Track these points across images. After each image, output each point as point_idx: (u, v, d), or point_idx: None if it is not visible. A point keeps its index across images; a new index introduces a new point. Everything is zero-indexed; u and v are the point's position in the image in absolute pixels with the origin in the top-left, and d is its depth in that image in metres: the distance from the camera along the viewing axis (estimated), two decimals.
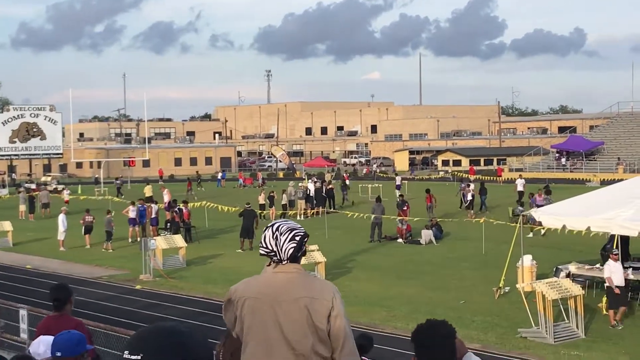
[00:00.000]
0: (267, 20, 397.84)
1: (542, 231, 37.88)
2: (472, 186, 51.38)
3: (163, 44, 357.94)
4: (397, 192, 60.76)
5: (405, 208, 42.02)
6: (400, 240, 38.80)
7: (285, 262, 4.97)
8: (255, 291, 4.96)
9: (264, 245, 5.00)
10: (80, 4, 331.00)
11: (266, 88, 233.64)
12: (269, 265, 5.02)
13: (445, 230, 40.43)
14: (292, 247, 4.96)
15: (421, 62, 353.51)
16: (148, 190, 61.46)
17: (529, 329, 20.53)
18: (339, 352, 4.90)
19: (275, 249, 4.96)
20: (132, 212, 41.40)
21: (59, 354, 6.55)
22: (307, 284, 4.93)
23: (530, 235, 37.07)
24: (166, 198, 49.60)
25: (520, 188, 54.88)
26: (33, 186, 77.87)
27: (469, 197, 49.03)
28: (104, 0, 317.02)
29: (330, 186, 57.19)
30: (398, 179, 65.80)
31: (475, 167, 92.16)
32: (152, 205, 43.13)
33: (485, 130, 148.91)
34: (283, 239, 4.96)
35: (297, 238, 4.98)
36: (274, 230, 4.99)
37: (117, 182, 77.93)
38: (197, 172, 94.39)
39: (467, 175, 79.51)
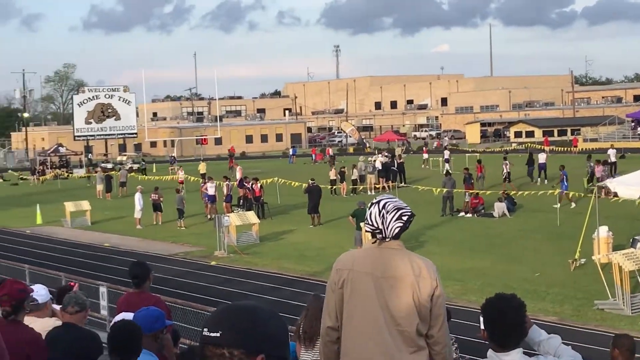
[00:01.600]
0: None
1: (573, 204, 37.45)
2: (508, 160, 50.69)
3: (231, 22, 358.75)
4: (447, 166, 60.45)
5: (472, 182, 41.80)
6: (469, 214, 38.53)
7: (389, 239, 4.95)
8: (361, 265, 4.94)
9: (369, 222, 4.95)
10: None
11: (335, 63, 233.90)
12: (374, 242, 4.99)
13: (518, 202, 39.99)
14: (398, 227, 4.92)
15: (491, 33, 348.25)
16: (202, 168, 62.16)
17: (606, 301, 20.25)
18: (437, 330, 4.90)
19: (381, 227, 4.92)
20: (210, 189, 41.81)
21: None
22: (412, 261, 4.90)
23: (557, 205, 36.73)
24: (238, 175, 49.98)
25: (613, 159, 53.94)
26: (109, 166, 79.22)
27: (506, 170, 48.44)
28: None
29: (401, 160, 57.03)
30: (446, 153, 65.17)
31: (549, 138, 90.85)
32: (227, 182, 43.44)
33: (558, 101, 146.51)
34: (390, 217, 4.92)
35: (404, 218, 4.95)
36: (381, 207, 4.94)
37: (170, 157, 79.70)
38: (229, 149, 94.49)
39: (541, 146, 78.41)
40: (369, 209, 4.97)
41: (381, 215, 4.91)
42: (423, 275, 4.85)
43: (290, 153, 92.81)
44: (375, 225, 4.92)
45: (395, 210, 4.92)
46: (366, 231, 5.07)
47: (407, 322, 4.82)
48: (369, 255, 4.97)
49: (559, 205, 36.85)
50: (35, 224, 43.21)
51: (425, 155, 70.52)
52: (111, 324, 6.76)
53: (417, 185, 47.77)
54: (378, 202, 4.98)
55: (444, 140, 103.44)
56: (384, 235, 4.92)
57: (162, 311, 7.11)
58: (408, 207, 4.99)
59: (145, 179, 63.25)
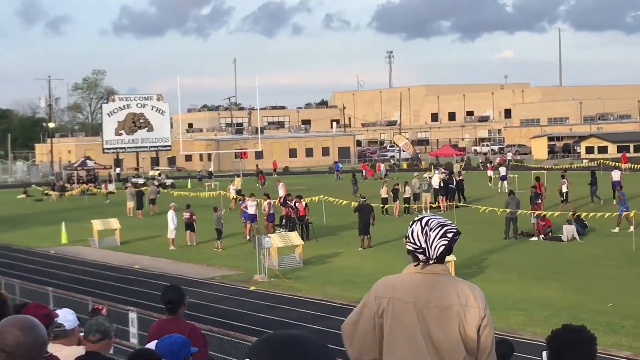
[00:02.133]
0: None
1: (631, 228, 36.68)
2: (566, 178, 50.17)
3: (274, 25, 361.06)
4: (504, 184, 60.41)
5: (539, 201, 41.44)
6: (535, 237, 38.24)
7: (433, 261, 4.92)
8: (400, 293, 4.88)
9: (412, 241, 4.91)
10: None
11: (387, 71, 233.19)
12: (416, 264, 4.96)
13: (589, 225, 39.57)
14: (442, 245, 4.86)
15: (560, 38, 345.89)
16: (237, 183, 62.47)
17: None
18: None
19: (424, 246, 4.88)
20: (250, 207, 41.99)
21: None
22: (457, 288, 4.87)
23: (616, 230, 36.17)
24: (281, 192, 50.11)
25: None
26: (140, 181, 79.94)
27: (564, 190, 47.93)
28: None
29: (460, 177, 56.86)
30: (502, 170, 64.83)
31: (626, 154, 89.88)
32: (268, 200, 43.60)
33: (634, 113, 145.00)
34: (433, 235, 4.87)
35: (449, 235, 4.88)
36: (423, 225, 4.90)
37: (200, 173, 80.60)
38: (257, 165, 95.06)
39: (618, 163, 77.63)
40: (410, 226, 4.95)
41: (424, 232, 4.87)
42: (470, 304, 4.81)
43: (335, 169, 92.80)
44: (419, 244, 4.89)
45: (440, 227, 4.88)
46: (407, 251, 5.01)
47: (453, 356, 4.77)
48: (411, 281, 4.91)
49: (617, 229, 36.61)
50: (60, 243, 43.71)
51: (490, 173, 70.07)
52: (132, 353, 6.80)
53: (477, 205, 47.51)
54: (420, 220, 4.95)
55: (507, 156, 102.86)
56: (427, 256, 4.88)
57: (186, 339, 7.14)
58: (453, 225, 4.95)
59: (173, 194, 63.68)
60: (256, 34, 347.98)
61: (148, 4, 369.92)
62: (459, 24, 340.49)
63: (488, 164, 77.93)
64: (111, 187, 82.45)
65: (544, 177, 62.62)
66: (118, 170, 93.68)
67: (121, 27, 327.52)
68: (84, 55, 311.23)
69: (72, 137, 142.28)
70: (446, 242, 4.86)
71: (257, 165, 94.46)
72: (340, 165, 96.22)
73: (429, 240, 4.85)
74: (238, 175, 73.31)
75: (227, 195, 59.06)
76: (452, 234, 4.87)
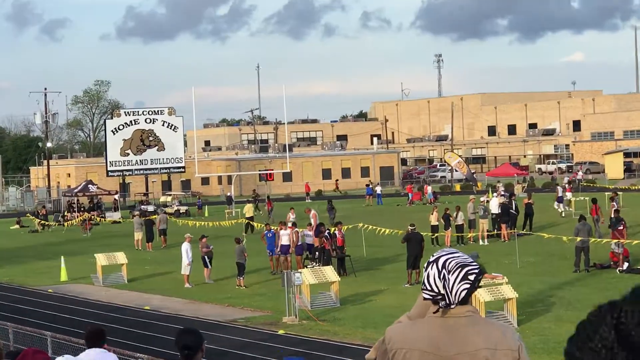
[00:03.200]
0: None
1: None
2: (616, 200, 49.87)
3: (302, 26, 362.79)
4: (560, 206, 60.18)
5: (620, 228, 41.11)
6: (616, 269, 38.03)
7: (454, 305, 4.93)
8: (419, 342, 4.85)
9: (428, 287, 4.84)
10: None
11: (436, 77, 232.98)
12: (435, 312, 4.89)
13: None
14: (464, 289, 4.81)
15: (636, 38, 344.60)
16: (249, 210, 62.83)
17: None
18: None
19: (443, 292, 4.82)
20: (284, 237, 42.13)
21: None
22: (485, 331, 4.82)
23: None
24: (313, 221, 50.19)
25: None
26: (150, 208, 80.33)
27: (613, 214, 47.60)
28: None
29: (529, 200, 56.20)
30: (559, 190, 64.61)
31: None
32: (295, 229, 43.70)
33: None
34: (453, 278, 4.80)
35: (471, 277, 4.81)
36: (440, 267, 4.82)
37: (199, 201, 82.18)
38: (254, 190, 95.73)
39: None
40: (426, 270, 4.90)
41: (442, 276, 4.79)
42: (500, 347, 4.79)
43: (378, 192, 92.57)
44: (436, 291, 4.84)
45: (459, 269, 4.81)
46: (424, 298, 4.94)
47: None
48: (431, 328, 4.85)
49: None
50: (59, 280, 43.97)
51: (569, 195, 68.87)
52: None
53: (542, 233, 47.32)
54: (436, 261, 4.88)
55: (577, 175, 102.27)
56: (447, 302, 4.85)
57: None
58: (475, 263, 4.90)
59: (188, 223, 63.96)
60: (282, 36, 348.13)
61: (156, 3, 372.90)
62: (518, 22, 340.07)
63: (567, 185, 76.55)
64: (116, 215, 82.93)
65: (620, 199, 62.30)
66: (117, 196, 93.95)
67: (126, 31, 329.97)
68: (84, 64, 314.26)
69: (72, 159, 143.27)
70: (468, 285, 4.81)
71: (254, 190, 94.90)
72: (379, 189, 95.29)
73: (448, 285, 4.80)
74: (249, 201, 73.73)
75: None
76: (475, 275, 4.82)
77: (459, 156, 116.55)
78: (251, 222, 63.34)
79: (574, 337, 1.79)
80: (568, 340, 1.80)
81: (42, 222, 78.28)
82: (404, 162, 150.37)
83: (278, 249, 42.26)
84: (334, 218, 61.23)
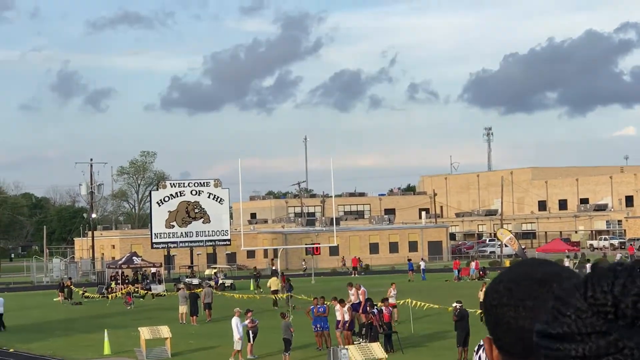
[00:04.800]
0: (480, 64, 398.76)
1: None
2: None
3: (348, 97, 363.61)
4: None
5: None
6: None
7: None
8: None
9: None
10: (245, 52, 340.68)
11: (485, 151, 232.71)
12: None
13: None
14: None
15: None
16: (274, 284, 62.97)
17: None
18: None
19: None
20: (338, 312, 42.19)
21: None
22: None
23: None
24: (361, 298, 50.06)
25: None
26: (195, 281, 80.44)
27: None
28: (274, 47, 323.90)
29: None
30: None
31: None
32: (345, 305, 43.58)
33: None
34: None
35: None
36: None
37: (255, 272, 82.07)
38: (254, 267, 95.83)
39: None
40: (477, 353, 4.84)
41: None
42: None
43: (408, 268, 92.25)
44: None
45: None
46: None
47: None
48: None
49: None
50: (102, 354, 43.98)
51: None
52: None
53: None
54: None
55: (632, 251, 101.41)
56: None
57: None
58: None
59: (234, 296, 63.97)
60: (328, 107, 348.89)
61: (201, 74, 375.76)
62: (568, 95, 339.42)
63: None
64: (160, 288, 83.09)
65: None
66: (154, 270, 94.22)
67: (171, 102, 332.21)
68: (129, 135, 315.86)
69: (117, 230, 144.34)
70: None
71: (255, 267, 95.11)
72: (423, 264, 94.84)
73: None
74: (273, 274, 74.00)
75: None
76: None
77: (510, 232, 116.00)
78: (276, 296, 63.88)
79: (545, 318, 1.84)
80: (536, 324, 1.85)
81: (84, 292, 78.58)
82: (452, 236, 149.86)
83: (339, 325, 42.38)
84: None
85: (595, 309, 1.78)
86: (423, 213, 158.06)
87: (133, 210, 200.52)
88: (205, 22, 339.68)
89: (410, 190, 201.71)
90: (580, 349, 1.76)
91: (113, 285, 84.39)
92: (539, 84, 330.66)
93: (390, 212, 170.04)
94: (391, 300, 44.71)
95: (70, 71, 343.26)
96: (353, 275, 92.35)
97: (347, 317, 42.54)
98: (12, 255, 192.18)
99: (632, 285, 1.77)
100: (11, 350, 47.19)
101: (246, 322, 40.91)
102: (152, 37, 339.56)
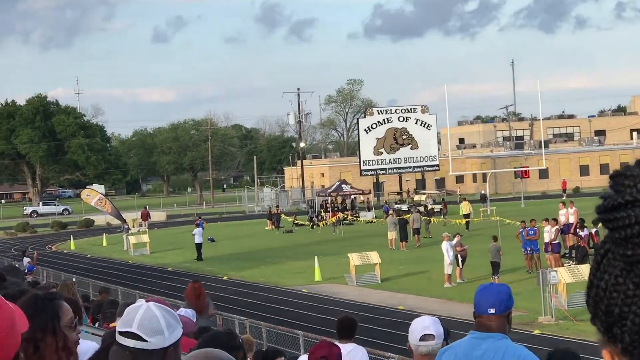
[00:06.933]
0: None
1: None
2: None
3: (552, 19, 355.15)
4: None
5: None
6: None
7: None
8: None
9: None
10: None
11: None
12: None
13: None
14: None
15: None
16: (466, 207, 62.28)
17: None
18: None
19: None
20: (547, 233, 41.70)
21: None
22: None
23: None
24: (572, 218, 49.28)
25: None
26: (404, 207, 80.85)
27: None
28: None
29: None
30: None
31: None
32: (556, 226, 42.93)
33: None
34: None
35: None
36: None
37: (385, 206, 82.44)
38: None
39: None
40: None
41: None
42: None
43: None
44: None
45: None
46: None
47: None
48: None
49: None
50: (313, 281, 44.79)
51: None
52: None
53: None
54: None
55: None
56: None
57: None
58: None
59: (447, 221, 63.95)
60: (533, 29, 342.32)
61: (404, 1, 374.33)
62: None
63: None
64: (370, 215, 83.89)
65: None
66: (360, 197, 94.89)
67: (374, 29, 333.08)
68: (334, 63, 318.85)
69: (326, 158, 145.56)
70: None
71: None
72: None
73: None
74: (465, 199, 73.15)
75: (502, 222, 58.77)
76: None
77: None
78: (467, 220, 64.06)
79: (605, 194, 1.86)
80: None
81: (296, 221, 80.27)
82: None
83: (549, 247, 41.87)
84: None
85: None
86: (634, 134, 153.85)
87: (341, 138, 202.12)
88: None
89: (620, 110, 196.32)
90: None
91: (323, 213, 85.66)
92: None
93: (600, 133, 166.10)
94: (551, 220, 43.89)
95: (273, 3, 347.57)
96: (563, 198, 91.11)
97: (553, 236, 41.88)
98: (225, 186, 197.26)
99: None
100: (225, 277, 48.62)
101: (453, 242, 40.93)
102: None
